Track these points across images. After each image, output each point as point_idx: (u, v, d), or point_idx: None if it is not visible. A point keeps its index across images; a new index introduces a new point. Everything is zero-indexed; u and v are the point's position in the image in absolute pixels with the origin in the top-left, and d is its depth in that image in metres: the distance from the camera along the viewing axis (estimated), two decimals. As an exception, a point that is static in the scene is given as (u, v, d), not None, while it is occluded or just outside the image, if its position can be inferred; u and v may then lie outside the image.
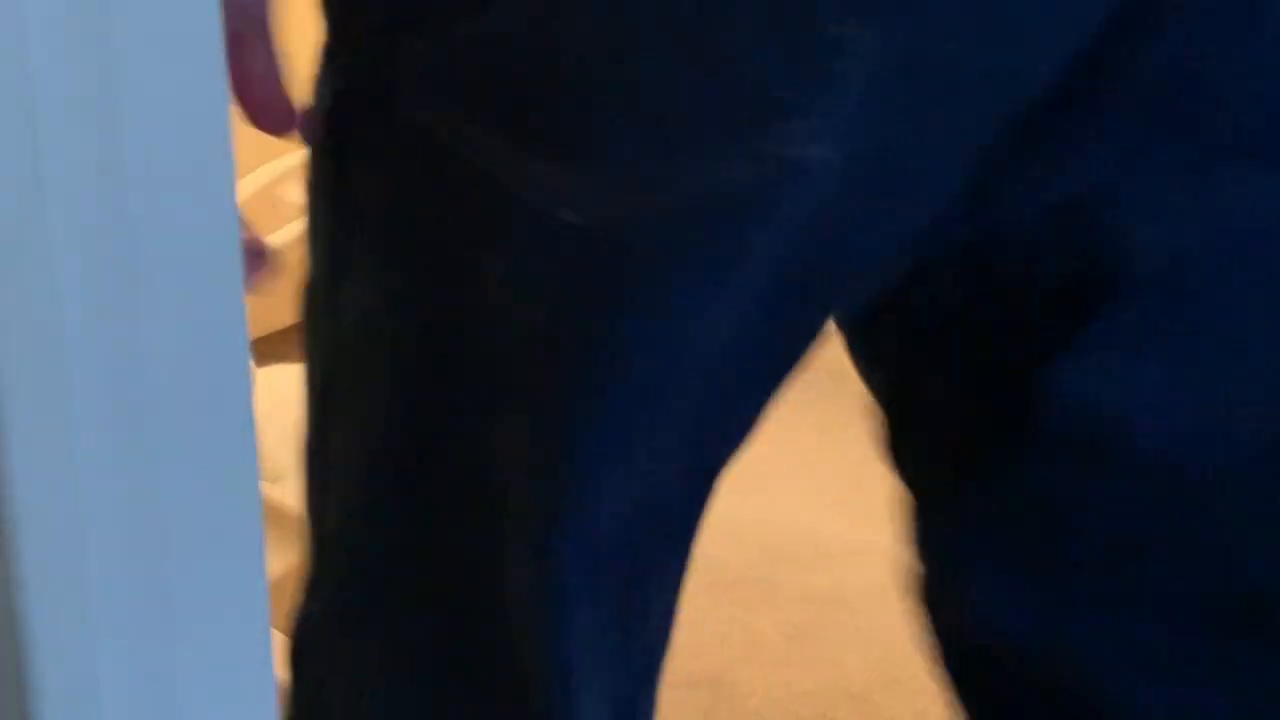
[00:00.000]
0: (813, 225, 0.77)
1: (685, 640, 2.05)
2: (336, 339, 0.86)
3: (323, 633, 0.93)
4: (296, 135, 0.86)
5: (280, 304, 3.09)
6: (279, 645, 1.50)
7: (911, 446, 0.95)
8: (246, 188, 2.89)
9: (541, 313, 0.78)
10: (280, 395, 2.32)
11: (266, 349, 2.49)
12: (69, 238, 0.50)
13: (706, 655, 2.02)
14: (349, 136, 0.82)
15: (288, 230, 2.82)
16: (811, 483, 2.40)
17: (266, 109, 0.81)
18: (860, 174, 0.76)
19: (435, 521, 0.86)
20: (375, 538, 0.89)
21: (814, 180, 0.75)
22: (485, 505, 0.84)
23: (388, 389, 0.86)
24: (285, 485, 2.24)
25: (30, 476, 0.50)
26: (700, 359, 0.80)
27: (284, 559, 1.80)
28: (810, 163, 0.74)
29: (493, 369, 0.80)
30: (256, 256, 0.84)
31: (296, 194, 2.97)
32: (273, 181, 2.92)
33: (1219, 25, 0.77)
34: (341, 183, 0.84)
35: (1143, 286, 0.82)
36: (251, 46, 0.82)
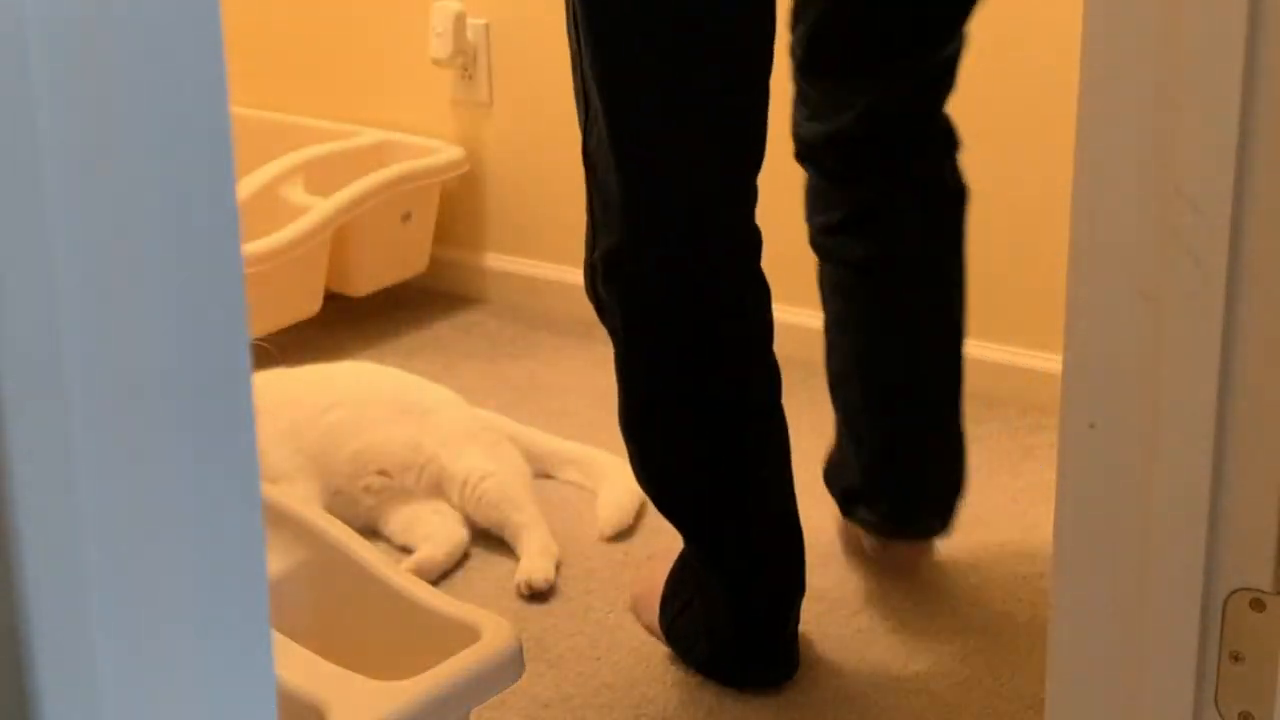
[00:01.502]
0: None
1: (685, 640, 2.06)
2: None
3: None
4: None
5: (280, 304, 3.08)
6: (279, 645, 1.50)
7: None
8: (246, 187, 2.90)
9: None
10: (280, 395, 2.33)
11: (267, 349, 2.50)
12: (69, 242, 0.50)
13: (706, 655, 2.02)
14: None
15: (288, 230, 2.83)
16: (811, 483, 2.40)
17: None
18: None
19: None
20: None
21: None
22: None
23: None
24: (285, 485, 2.25)
25: (29, 477, 0.50)
26: None
27: (284, 559, 1.80)
28: None
29: None
30: None
31: (296, 194, 2.98)
32: (273, 181, 2.93)
33: None
34: None
35: None
36: None
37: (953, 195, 2.02)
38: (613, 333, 1.80)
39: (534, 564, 2.17)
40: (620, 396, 1.84)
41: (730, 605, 1.90)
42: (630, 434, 1.85)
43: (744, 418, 1.84)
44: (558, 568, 2.19)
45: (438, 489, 2.28)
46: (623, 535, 2.28)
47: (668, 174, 1.69)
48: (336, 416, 2.29)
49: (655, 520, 2.32)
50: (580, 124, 1.73)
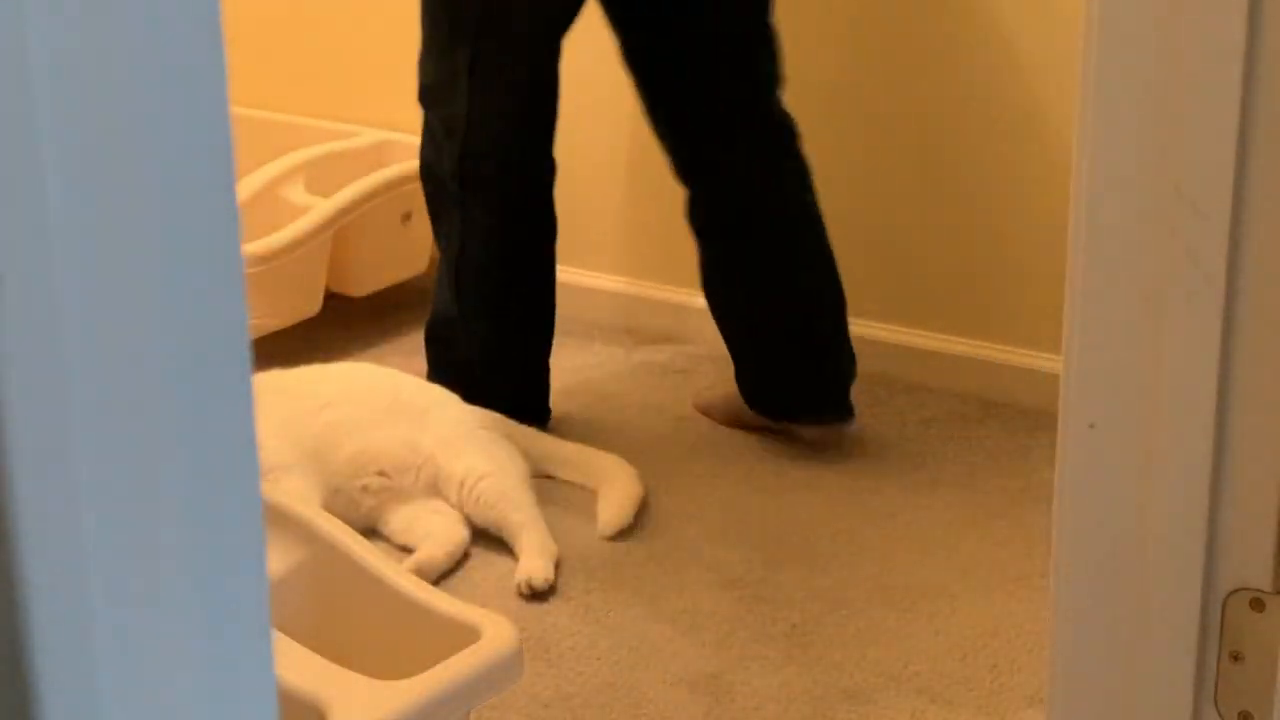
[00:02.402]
0: None
1: (685, 640, 2.06)
2: None
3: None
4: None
5: (280, 304, 3.09)
6: (279, 645, 1.50)
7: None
8: (246, 188, 2.90)
9: None
10: (277, 394, 2.33)
11: (266, 349, 2.50)
12: (69, 242, 0.50)
13: (706, 655, 2.02)
14: None
15: (288, 230, 2.83)
16: (811, 484, 2.40)
17: None
18: None
19: None
20: None
21: None
22: None
23: None
24: (281, 475, 2.25)
25: (29, 477, 0.50)
26: None
27: (284, 559, 1.80)
28: None
29: None
30: None
31: (296, 194, 2.98)
32: (273, 181, 2.93)
33: None
34: None
35: None
36: None
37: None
38: (459, 205, 2.52)
39: (534, 564, 2.17)
40: (450, 255, 2.54)
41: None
42: (453, 277, 2.54)
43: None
44: (557, 567, 2.19)
45: (435, 489, 2.28)
46: (623, 535, 2.28)
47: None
48: (334, 416, 2.29)
49: (655, 520, 2.32)
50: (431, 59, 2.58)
